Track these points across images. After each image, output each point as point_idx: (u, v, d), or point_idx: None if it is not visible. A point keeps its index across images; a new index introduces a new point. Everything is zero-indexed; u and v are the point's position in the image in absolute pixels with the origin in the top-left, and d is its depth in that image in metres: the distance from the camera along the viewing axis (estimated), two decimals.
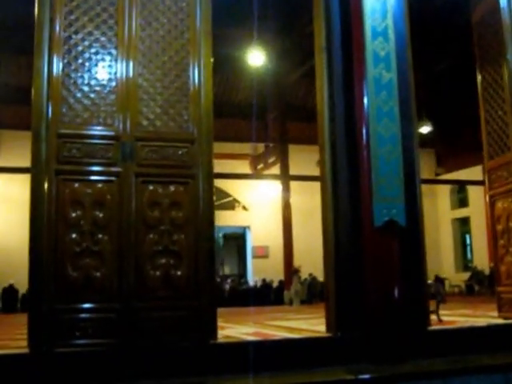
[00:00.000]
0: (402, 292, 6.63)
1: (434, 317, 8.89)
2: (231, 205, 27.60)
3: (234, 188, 27.13)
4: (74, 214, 6.13)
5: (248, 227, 27.77)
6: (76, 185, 6.20)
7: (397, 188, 6.72)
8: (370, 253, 6.73)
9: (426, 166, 29.38)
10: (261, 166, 26.96)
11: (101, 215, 6.19)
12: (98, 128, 6.36)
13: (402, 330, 6.61)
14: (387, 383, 6.03)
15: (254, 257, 27.35)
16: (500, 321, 8.48)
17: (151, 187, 6.38)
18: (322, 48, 7.33)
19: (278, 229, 23.95)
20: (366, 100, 6.80)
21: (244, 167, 26.84)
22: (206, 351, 6.17)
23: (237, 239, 29.81)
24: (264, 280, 24.68)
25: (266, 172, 26.35)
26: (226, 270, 29.79)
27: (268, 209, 26.25)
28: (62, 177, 6.15)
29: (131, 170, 6.33)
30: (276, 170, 25.19)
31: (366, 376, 5.96)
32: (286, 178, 24.03)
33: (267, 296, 23.30)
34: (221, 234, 29.58)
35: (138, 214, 6.28)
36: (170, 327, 6.18)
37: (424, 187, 24.01)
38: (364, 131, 6.78)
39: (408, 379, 6.10)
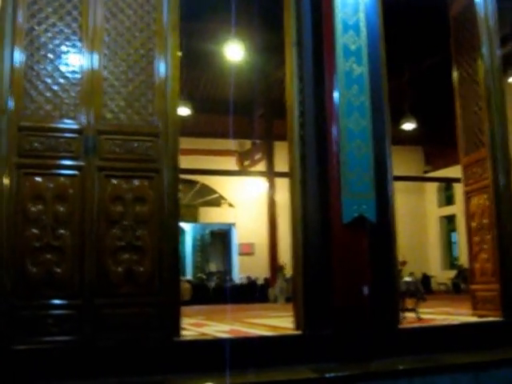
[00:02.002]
0: (371, 290, 6.53)
1: (413, 315, 8.84)
2: (217, 202, 27.47)
3: (221, 185, 27.02)
4: (34, 209, 6.01)
5: (234, 224, 27.64)
6: (37, 179, 6.08)
7: (367, 183, 6.62)
8: (339, 250, 6.64)
9: (414, 164, 29.37)
10: (247, 162, 26.85)
11: (62, 210, 6.07)
12: (61, 121, 6.23)
13: (371, 329, 6.52)
14: (352, 382, 5.92)
15: (240, 254, 27.21)
16: (473, 319, 8.39)
17: (114, 181, 6.26)
18: (293, 42, 7.22)
19: (263, 226, 23.83)
20: (336, 94, 6.71)
21: (231, 164, 26.70)
22: (169, 349, 6.06)
23: (223, 236, 29.68)
24: (249, 277, 24.59)
25: (253, 169, 26.24)
26: (212, 267, 29.64)
27: (254, 206, 26.12)
28: (22, 171, 6.03)
29: (94, 164, 6.21)
30: (262, 166, 25.09)
31: (331, 375, 5.87)
32: (271, 175, 23.93)
33: (252, 293, 23.20)
34: (207, 231, 29.53)
35: (101, 209, 6.16)
36: (133, 324, 6.07)
37: (412, 185, 24.07)
38: (333, 126, 6.69)
39: (373, 378, 6.02)
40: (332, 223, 6.71)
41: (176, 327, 6.22)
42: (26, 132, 6.09)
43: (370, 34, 6.98)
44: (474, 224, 8.62)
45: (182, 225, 29.48)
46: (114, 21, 6.55)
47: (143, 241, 6.22)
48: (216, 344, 6.38)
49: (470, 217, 8.75)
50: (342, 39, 6.77)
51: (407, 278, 10.19)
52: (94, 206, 6.15)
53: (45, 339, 5.84)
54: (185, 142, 23.20)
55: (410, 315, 8.99)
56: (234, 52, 17.55)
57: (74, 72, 6.35)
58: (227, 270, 29.05)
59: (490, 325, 7.76)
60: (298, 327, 6.86)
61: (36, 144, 6.10)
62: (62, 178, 6.15)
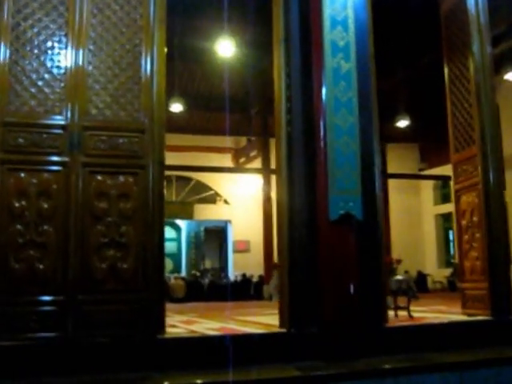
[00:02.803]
0: (357, 288, 6.51)
1: (405, 313, 8.82)
2: (213, 198, 27.44)
3: (216, 182, 26.97)
4: (18, 205, 5.97)
5: (229, 221, 27.58)
6: (21, 174, 6.05)
7: (354, 181, 6.59)
8: (326, 247, 6.61)
9: (409, 161, 29.34)
10: (243, 159, 26.81)
11: (46, 206, 6.04)
12: (46, 117, 6.20)
13: (358, 327, 6.48)
14: (336, 381, 5.88)
15: (235, 251, 27.17)
16: (462, 317, 8.36)
17: (99, 177, 6.23)
18: (281, 38, 7.18)
19: (259, 223, 23.80)
20: (323, 90, 6.67)
21: (227, 161, 26.66)
22: (153, 346, 6.03)
23: (218, 233, 29.65)
24: (244, 275, 24.55)
25: (248, 166, 26.20)
26: (207, 264, 29.64)
27: (249, 203, 26.09)
28: (6, 166, 6.00)
29: (78, 160, 6.18)
30: (258, 163, 25.05)
31: (315, 373, 5.84)
32: (267, 171, 23.87)
33: (247, 291, 23.16)
34: (202, 228, 29.49)
35: (85, 205, 6.13)
36: (117, 321, 6.03)
37: (408, 182, 24.07)
38: (321, 122, 6.65)
39: (358, 377, 5.97)
40: (319, 220, 6.68)
41: (160, 324, 6.20)
42: (11, 128, 6.06)
43: (359, 30, 6.95)
44: (464, 222, 8.58)
45: (177, 222, 29.53)
46: (100, 16, 6.51)
47: (127, 237, 6.19)
48: (200, 342, 6.37)
49: (460, 215, 8.71)
50: (330, 35, 6.75)
51: (399, 276, 10.16)
52: (78, 203, 6.12)
53: (28, 335, 5.81)
54: (180, 139, 23.31)
55: (402, 313, 8.98)
56: (229, 49, 17.52)
57: (59, 67, 6.32)
58: (222, 267, 29.05)
59: (479, 324, 7.73)
60: (283, 325, 6.83)
61: (20, 140, 6.06)
62: (46, 174, 6.11)
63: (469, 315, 8.31)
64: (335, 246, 6.56)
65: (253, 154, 25.79)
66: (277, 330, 6.91)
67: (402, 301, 9.28)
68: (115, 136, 6.32)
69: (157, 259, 6.26)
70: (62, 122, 6.22)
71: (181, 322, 9.69)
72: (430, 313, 10.12)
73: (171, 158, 22.05)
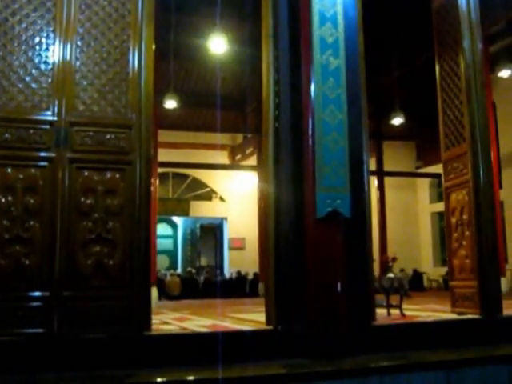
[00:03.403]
0: (345, 286, 6.48)
1: (397, 311, 8.81)
2: (208, 195, 27.42)
3: (212, 179, 26.99)
4: (4, 200, 5.96)
5: (225, 218, 27.58)
6: (8, 170, 6.03)
7: (341, 178, 6.57)
8: (313, 244, 6.58)
9: (406, 159, 29.34)
10: (239, 156, 26.78)
11: (32, 201, 6.02)
12: (32, 112, 6.18)
13: (344, 325, 6.46)
14: (321, 379, 5.87)
15: (231, 248, 27.19)
16: (451, 316, 8.35)
17: (86, 173, 6.21)
18: (269, 34, 7.16)
19: (254, 220, 23.77)
20: (312, 87, 6.65)
21: (223, 158, 26.65)
22: (139, 342, 6.02)
23: (214, 230, 29.60)
24: (239, 272, 24.55)
25: (244, 163, 26.18)
26: (203, 261, 29.60)
27: (245, 200, 26.08)
28: None
29: (65, 156, 6.16)
30: (254, 161, 25.03)
31: (300, 371, 5.84)
32: (262, 169, 23.85)
33: (242, 288, 23.17)
34: (198, 225, 29.47)
35: (72, 201, 6.11)
36: (103, 317, 6.01)
37: (404, 180, 24.10)
38: (309, 119, 6.63)
39: (343, 376, 5.96)
40: (306, 218, 6.66)
41: (146, 321, 6.18)
42: None
43: (348, 27, 6.93)
44: (453, 220, 8.56)
45: (174, 219, 29.53)
46: (88, 12, 6.50)
47: (114, 233, 6.17)
48: (186, 339, 6.36)
49: (450, 212, 8.69)
50: (319, 31, 6.73)
51: (391, 275, 10.13)
52: (65, 198, 6.10)
53: (14, 331, 5.78)
54: (177, 136, 23.33)
55: (394, 311, 8.96)
56: (224, 46, 17.50)
57: (46, 63, 6.31)
58: (218, 264, 29.04)
59: (468, 322, 7.71)
60: (269, 322, 6.81)
61: (7, 135, 6.04)
62: (32, 170, 6.09)
63: (458, 314, 8.29)
64: (322, 244, 6.54)
65: (249, 151, 25.78)
66: (264, 327, 6.88)
67: (394, 299, 9.26)
68: (102, 132, 6.30)
69: (144, 256, 6.23)
70: (49, 118, 6.20)
71: (173, 319, 9.70)
72: (423, 311, 10.10)
73: (167, 155, 22.20)
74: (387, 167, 27.17)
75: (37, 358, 5.66)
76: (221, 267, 28.27)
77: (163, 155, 19.89)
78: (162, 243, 28.79)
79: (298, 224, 6.79)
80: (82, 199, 6.16)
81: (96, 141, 6.28)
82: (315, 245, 6.56)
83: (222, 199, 27.29)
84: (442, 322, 7.88)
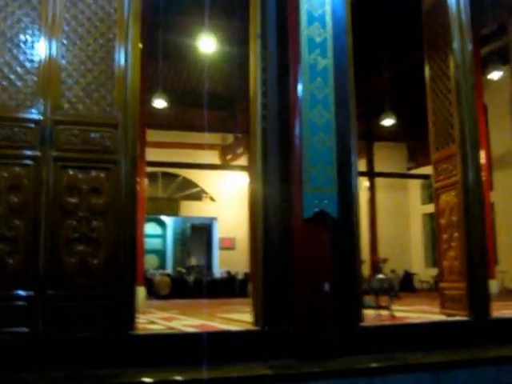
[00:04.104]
0: (333, 287, 6.45)
1: (387, 312, 8.79)
2: (199, 195, 27.36)
3: (202, 179, 26.91)
4: None
5: (215, 218, 27.52)
6: None
7: (329, 178, 6.53)
8: (300, 245, 6.55)
9: (397, 161, 29.33)
10: (230, 156, 26.74)
11: (16, 200, 5.98)
12: (17, 110, 6.14)
13: (332, 326, 6.43)
14: (307, 380, 5.83)
15: (221, 248, 27.13)
16: (440, 318, 8.33)
17: (71, 172, 6.17)
18: (257, 33, 7.13)
19: (245, 221, 23.70)
20: (299, 87, 6.62)
21: (214, 158, 26.60)
22: (124, 342, 5.99)
23: (204, 230, 29.52)
24: (229, 272, 24.53)
25: (235, 163, 26.15)
26: (193, 261, 29.53)
27: (236, 200, 26.04)
28: None
29: (50, 155, 6.12)
30: (244, 161, 24.97)
31: (286, 372, 5.80)
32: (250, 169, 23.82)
33: (232, 288, 23.13)
34: (188, 225, 29.43)
35: (56, 200, 6.07)
36: (87, 316, 5.98)
37: (395, 182, 24.06)
38: (296, 118, 6.60)
39: (330, 377, 5.92)
40: (293, 218, 6.64)
41: (131, 321, 6.14)
42: None
43: (337, 26, 6.91)
44: (443, 221, 8.53)
45: (163, 218, 29.47)
46: (73, 10, 6.45)
47: (98, 232, 6.13)
48: (172, 339, 6.32)
49: (439, 214, 8.66)
50: (307, 31, 6.69)
51: (381, 276, 10.12)
52: (49, 197, 6.06)
53: None
54: (166, 136, 23.28)
55: (383, 313, 8.94)
56: (213, 45, 17.48)
57: (31, 61, 6.26)
58: (208, 264, 29.00)
59: (456, 324, 7.68)
60: (256, 323, 6.78)
61: None
62: (17, 168, 6.05)
63: (447, 315, 8.27)
64: (309, 244, 6.51)
65: (239, 151, 25.74)
66: (251, 327, 6.85)
67: (384, 300, 9.24)
68: (87, 131, 6.26)
69: (129, 255, 6.20)
70: (34, 116, 6.16)
71: (161, 319, 9.66)
72: (413, 312, 10.08)
73: (157, 155, 22.14)
74: (379, 168, 27.20)
75: (21, 358, 5.62)
76: (210, 267, 28.22)
77: (153, 155, 19.83)
78: (152, 243, 28.76)
79: (285, 224, 6.77)
80: (67, 198, 6.12)
81: (81, 139, 6.24)
82: (303, 245, 6.54)
83: (212, 199, 27.25)
84: (430, 323, 7.85)
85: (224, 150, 26.95)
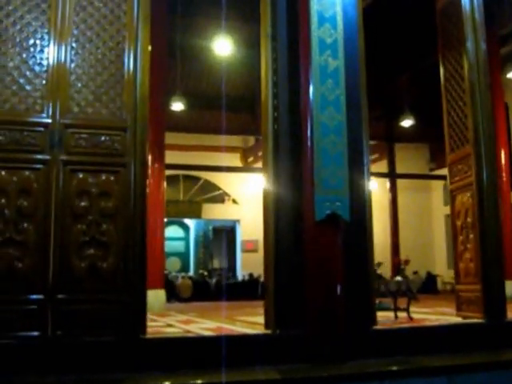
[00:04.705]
0: (345, 290, 6.40)
1: (405, 314, 8.74)
2: (221, 198, 27.35)
3: (224, 181, 26.88)
4: None
5: (238, 221, 27.50)
6: (1, 173, 5.99)
7: (340, 180, 6.48)
8: (312, 248, 6.51)
9: (419, 162, 29.15)
10: (251, 159, 26.72)
11: (26, 204, 5.98)
12: (27, 114, 6.15)
13: (344, 329, 6.37)
14: None
15: (244, 251, 27.08)
16: (455, 320, 8.26)
17: (80, 176, 6.17)
18: (268, 34, 7.10)
19: None
20: (310, 88, 6.58)
21: (235, 160, 26.60)
22: (134, 346, 5.97)
23: (226, 233, 29.57)
24: (251, 274, 24.50)
25: (257, 165, 26.10)
26: (215, 264, 29.58)
27: (258, 203, 25.89)
28: None
29: (59, 158, 6.12)
30: None
31: (295, 376, 5.76)
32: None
33: (254, 290, 23.08)
34: (210, 228, 29.44)
35: (66, 204, 6.07)
36: (97, 320, 5.96)
37: (418, 183, 23.83)
38: (308, 120, 6.56)
39: (340, 381, 5.86)
40: (305, 220, 6.60)
41: (142, 324, 6.11)
42: None
43: (348, 27, 6.86)
44: (459, 222, 8.47)
45: (186, 221, 29.50)
46: (83, 13, 6.45)
47: (108, 236, 6.12)
48: (182, 342, 6.30)
49: (455, 215, 8.60)
50: (318, 32, 6.65)
51: (398, 278, 10.07)
52: (59, 201, 6.06)
53: (7, 334, 5.75)
54: (188, 139, 23.24)
55: (401, 315, 8.90)
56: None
57: (41, 65, 6.27)
58: (230, 266, 28.99)
59: (471, 327, 7.60)
60: (268, 327, 6.74)
61: (0, 137, 6.01)
62: (26, 172, 6.05)
63: (464, 318, 8.20)
64: (321, 247, 6.46)
65: (261, 153, 25.65)
66: (262, 331, 6.82)
67: (403, 302, 9.20)
68: (97, 134, 6.26)
69: (139, 258, 6.17)
70: (44, 120, 6.17)
71: (179, 322, 9.67)
72: (433, 315, 10.02)
73: (178, 157, 22.10)
74: (400, 169, 27.03)
75: (31, 362, 5.62)
76: (233, 270, 28.22)
77: (174, 157, 19.85)
78: (174, 245, 28.81)
79: (297, 226, 6.74)
80: (76, 202, 6.11)
81: (90, 143, 6.24)
82: (315, 248, 6.49)
83: (234, 201, 27.23)
84: (444, 326, 7.78)
85: (245, 153, 26.93)
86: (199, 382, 5.52)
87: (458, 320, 8.25)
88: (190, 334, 7.17)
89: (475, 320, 7.82)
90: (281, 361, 6.16)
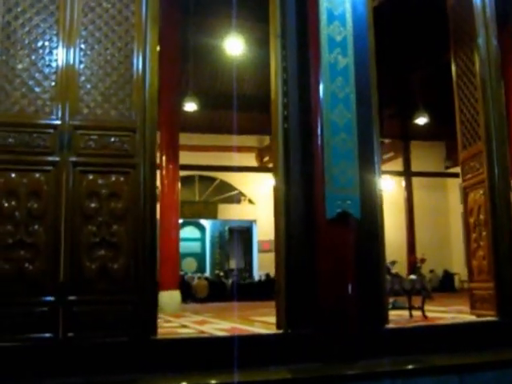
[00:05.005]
0: (356, 288, 6.37)
1: (419, 313, 8.71)
2: (237, 198, 27.31)
3: (240, 181, 26.83)
4: (7, 205, 5.95)
5: (254, 221, 27.45)
6: (11, 175, 6.01)
7: (351, 178, 6.46)
8: (323, 246, 6.49)
9: (435, 160, 29.01)
10: (267, 158, 26.66)
11: (36, 206, 6.00)
12: (36, 116, 6.17)
13: (356, 328, 6.35)
14: (330, 383, 5.76)
15: (260, 251, 27.02)
16: (468, 318, 8.21)
17: (90, 177, 6.18)
18: (277, 33, 7.08)
19: None
20: (320, 86, 6.55)
21: (251, 160, 26.56)
22: (145, 347, 5.96)
23: (243, 233, 29.48)
24: (268, 275, 24.44)
25: (272, 165, 26.04)
26: (232, 264, 29.49)
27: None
28: None
29: (69, 160, 6.13)
30: None
31: (305, 376, 5.74)
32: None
33: (270, 291, 22.99)
34: (226, 228, 29.38)
35: (76, 205, 6.08)
36: (108, 321, 5.97)
37: (434, 181, 23.67)
38: (318, 119, 6.54)
39: (354, 380, 5.85)
40: (316, 219, 6.57)
41: (152, 325, 6.12)
42: (1, 128, 6.03)
43: (357, 24, 6.83)
44: (471, 220, 8.42)
45: (201, 221, 29.48)
46: (91, 15, 6.46)
47: (118, 237, 6.12)
48: (193, 343, 6.30)
49: (468, 213, 8.54)
50: (327, 30, 6.63)
51: (413, 276, 10.04)
52: (69, 202, 6.07)
53: (19, 337, 5.76)
54: (203, 139, 23.21)
55: (416, 314, 8.87)
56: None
57: (50, 66, 6.29)
58: (247, 267, 28.95)
59: (484, 325, 7.55)
60: (279, 326, 6.71)
61: (10, 139, 6.03)
62: (36, 174, 6.08)
63: (477, 316, 8.15)
64: (332, 245, 6.44)
65: None
66: (274, 331, 6.80)
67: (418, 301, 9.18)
68: (106, 135, 6.27)
69: (149, 259, 6.17)
70: (53, 122, 6.18)
71: (194, 322, 9.68)
72: (447, 313, 9.97)
73: (193, 158, 22.09)
74: (416, 167, 26.92)
75: (42, 364, 5.63)
76: (250, 270, 28.17)
77: (188, 158, 19.86)
78: (190, 246, 28.80)
79: (308, 225, 6.72)
80: (86, 203, 6.13)
81: (100, 144, 6.25)
82: (326, 246, 6.48)
83: (250, 202, 27.18)
84: (457, 324, 7.76)
85: (261, 152, 26.86)
86: (211, 382, 5.54)
87: (472, 318, 8.19)
88: (200, 335, 7.18)
89: (489, 318, 7.76)
90: (292, 360, 6.14)
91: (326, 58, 6.57)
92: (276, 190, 6.99)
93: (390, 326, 6.96)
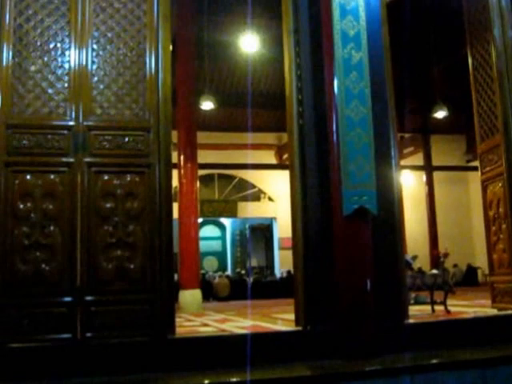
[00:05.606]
0: (375, 284, 6.32)
1: (442, 308, 8.65)
2: (257, 196, 27.26)
3: (260, 179, 26.78)
4: (23, 206, 5.96)
5: (274, 218, 27.38)
6: (27, 176, 6.03)
7: (367, 174, 6.40)
8: (341, 242, 6.45)
9: (456, 153, 28.83)
10: (286, 156, 26.60)
11: (52, 207, 6.00)
12: (50, 118, 6.18)
13: (375, 324, 6.30)
14: (347, 380, 5.72)
15: (281, 248, 26.92)
16: (490, 312, 8.15)
17: (105, 177, 6.19)
18: (291, 29, 7.05)
19: None
20: (334, 82, 6.51)
21: (270, 158, 26.53)
22: (163, 346, 5.96)
23: (263, 231, 29.41)
24: (289, 272, 24.39)
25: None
26: (253, 262, 29.44)
27: None
28: (11, 168, 5.99)
29: (83, 160, 6.14)
30: None
31: (325, 372, 5.71)
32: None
33: (292, 288, 22.96)
34: (247, 226, 29.33)
35: (91, 206, 6.08)
36: (125, 321, 5.98)
37: (455, 175, 23.46)
38: (333, 114, 6.49)
39: (371, 376, 5.80)
40: (333, 215, 6.53)
41: (170, 324, 6.11)
42: (15, 130, 6.04)
43: (370, 18, 6.77)
44: (491, 213, 8.37)
45: (222, 220, 29.48)
46: (103, 15, 6.46)
47: (135, 237, 6.12)
48: (211, 342, 6.28)
49: (487, 206, 8.50)
50: (340, 25, 6.57)
51: (434, 271, 9.96)
52: (85, 203, 6.07)
53: (36, 337, 5.78)
54: (221, 137, 23.20)
55: (439, 308, 8.81)
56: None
57: (62, 68, 6.29)
58: (268, 264, 28.90)
59: (506, 318, 7.46)
60: (298, 323, 6.70)
61: (24, 141, 6.05)
62: (51, 175, 6.09)
63: (499, 309, 8.09)
64: (350, 241, 6.40)
65: None
66: (293, 327, 6.77)
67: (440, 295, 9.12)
68: (120, 135, 6.27)
69: (165, 259, 6.17)
70: (67, 123, 6.19)
71: (215, 321, 9.67)
72: (470, 307, 9.89)
73: (212, 157, 22.09)
74: (437, 162, 26.77)
75: (60, 364, 5.66)
76: (271, 267, 28.12)
77: (207, 157, 19.86)
78: (210, 245, 28.86)
79: (325, 222, 6.69)
80: (102, 203, 6.13)
81: (114, 144, 6.25)
82: (343, 242, 6.43)
83: (270, 199, 27.12)
84: (477, 318, 7.69)
85: (280, 150, 26.79)
86: (229, 379, 5.51)
87: (494, 312, 8.12)
88: (217, 333, 7.16)
89: (510, 311, 7.69)
90: (311, 357, 6.13)
91: (340, 53, 6.52)
92: (292, 186, 6.94)
93: (411, 321, 6.92)
